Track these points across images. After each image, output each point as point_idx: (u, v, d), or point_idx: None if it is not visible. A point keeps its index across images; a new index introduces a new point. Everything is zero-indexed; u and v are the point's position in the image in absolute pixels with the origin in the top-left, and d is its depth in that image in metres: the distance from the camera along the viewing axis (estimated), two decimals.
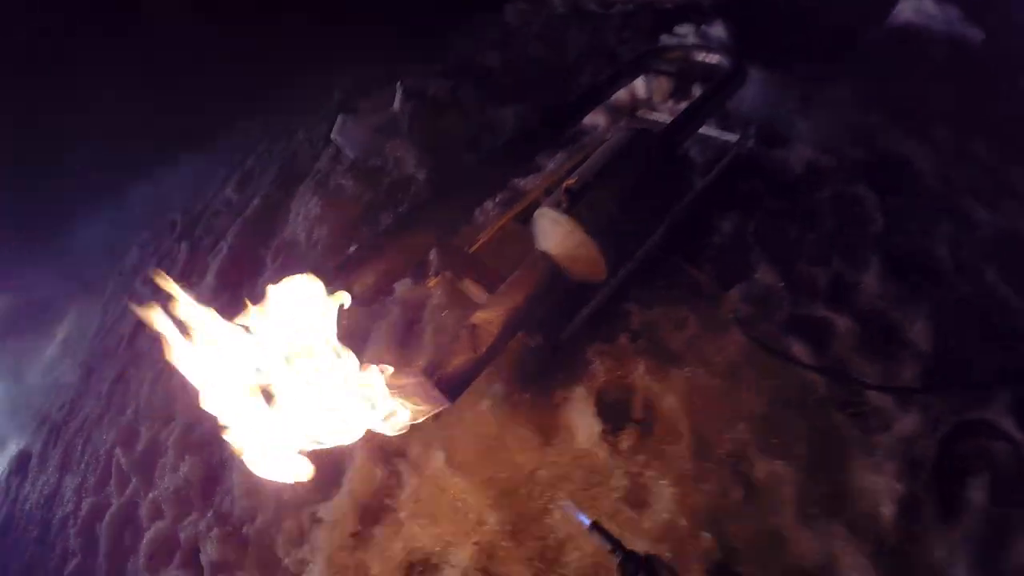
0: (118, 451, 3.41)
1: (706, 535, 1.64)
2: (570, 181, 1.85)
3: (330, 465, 2.31)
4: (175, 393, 3.34)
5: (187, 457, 2.92)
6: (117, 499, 3.20)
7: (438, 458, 2.02)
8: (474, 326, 1.77)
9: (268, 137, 5.24)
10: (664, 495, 1.75)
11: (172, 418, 3.26)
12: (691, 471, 1.77)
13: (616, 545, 1.22)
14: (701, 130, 2.63)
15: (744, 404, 1.84)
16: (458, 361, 1.71)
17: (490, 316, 1.79)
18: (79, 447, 3.92)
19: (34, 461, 4.42)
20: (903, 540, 1.53)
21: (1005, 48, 2.81)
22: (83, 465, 3.75)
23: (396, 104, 3.56)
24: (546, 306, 1.95)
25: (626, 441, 1.85)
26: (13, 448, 5.00)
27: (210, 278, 3.76)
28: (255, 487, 2.49)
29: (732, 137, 2.62)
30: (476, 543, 1.83)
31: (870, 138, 2.49)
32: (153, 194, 6.12)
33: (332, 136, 3.73)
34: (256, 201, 4.16)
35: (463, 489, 1.94)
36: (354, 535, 2.06)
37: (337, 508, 2.12)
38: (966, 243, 2.09)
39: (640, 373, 1.97)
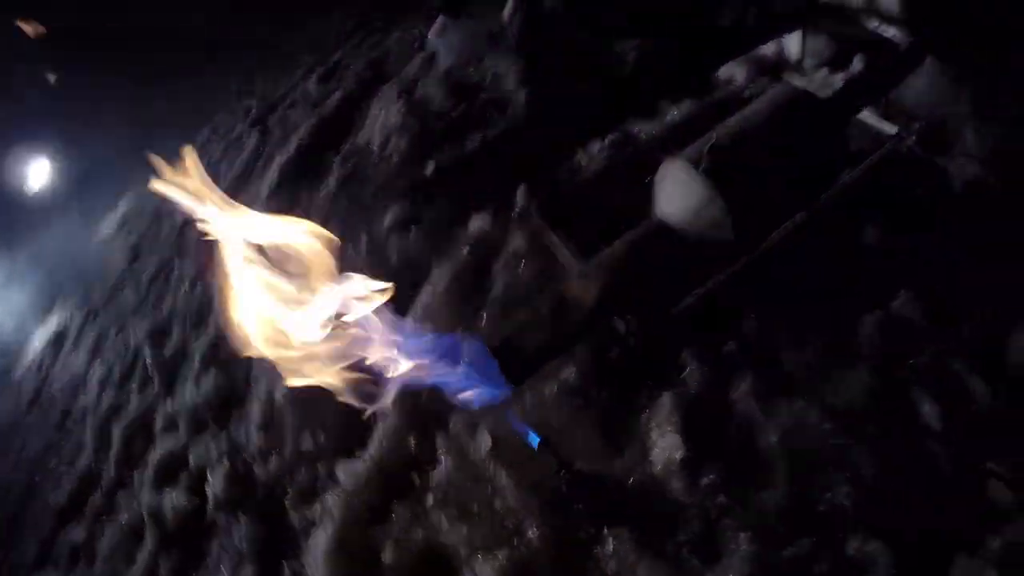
0: (146, 347, 3.46)
1: None
2: (719, 136, 1.55)
3: (358, 415, 2.18)
4: (213, 296, 3.33)
5: (212, 370, 2.89)
6: (137, 400, 3.25)
7: (484, 442, 1.83)
8: (562, 297, 1.53)
9: (363, 30, 5.08)
10: (740, 551, 1.51)
11: (205, 324, 3.25)
12: (777, 528, 1.53)
13: (564, 467, 1.33)
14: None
15: (855, 461, 1.55)
16: (533, 338, 1.49)
17: (582, 291, 1.54)
18: (112, 335, 4.04)
19: (68, 341, 4.62)
20: None
21: None
22: (112, 355, 3.85)
23: (506, 12, 3.27)
24: (653, 286, 1.69)
25: (709, 475, 1.59)
26: (53, 320, 5.27)
27: (272, 174, 3.70)
28: (274, 422, 2.41)
29: (889, 127, 2.24)
30: (508, 558, 1.64)
31: None
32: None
33: (428, 37, 3.50)
34: (336, 97, 4.03)
35: (506, 487, 1.75)
36: (371, 509, 1.93)
37: (359, 474, 1.99)
38: None
39: (743, 393, 1.70)
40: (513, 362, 1.47)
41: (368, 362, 1.33)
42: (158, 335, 3.49)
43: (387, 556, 1.81)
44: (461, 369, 1.43)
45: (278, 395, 2.42)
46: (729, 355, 1.77)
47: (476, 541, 1.71)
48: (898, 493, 1.54)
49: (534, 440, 1.36)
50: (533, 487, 1.73)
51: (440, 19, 3.49)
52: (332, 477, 2.07)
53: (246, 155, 4.33)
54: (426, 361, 1.38)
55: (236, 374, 2.78)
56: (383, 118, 3.42)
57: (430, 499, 1.84)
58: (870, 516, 1.51)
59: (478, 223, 2.40)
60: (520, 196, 2.28)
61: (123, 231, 5.51)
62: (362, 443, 2.09)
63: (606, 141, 2.56)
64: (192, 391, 2.89)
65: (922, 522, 1.50)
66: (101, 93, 6.80)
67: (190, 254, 3.89)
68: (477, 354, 1.48)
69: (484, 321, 2.09)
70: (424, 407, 2.01)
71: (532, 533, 1.66)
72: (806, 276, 1.90)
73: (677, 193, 1.63)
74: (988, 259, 1.89)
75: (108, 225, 5.91)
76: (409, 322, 1.49)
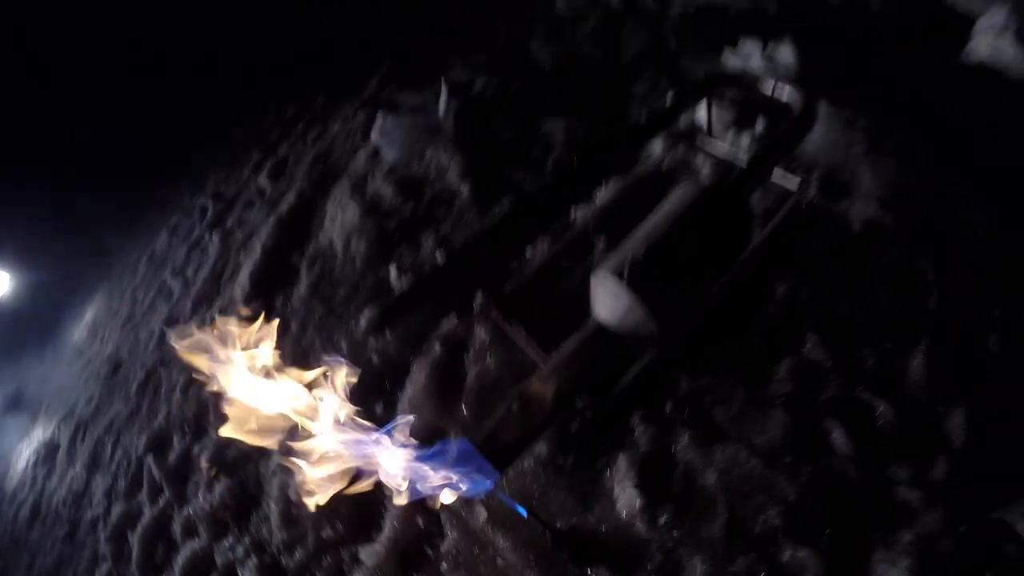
0: (149, 459, 3.74)
1: None
2: (637, 253, 2.02)
3: (369, 505, 2.57)
4: (207, 405, 3.65)
5: (222, 477, 3.22)
6: (149, 509, 3.54)
7: (480, 515, 2.25)
8: (526, 398, 1.97)
9: (304, 120, 5.46)
10: (697, 573, 1.96)
11: (205, 431, 3.57)
12: (723, 550, 1.97)
13: (548, 528, 1.74)
14: None
15: (780, 489, 2.01)
16: (509, 431, 1.92)
17: (542, 389, 1.98)
18: (108, 447, 4.29)
19: (61, 455, 4.83)
20: None
21: None
22: (113, 467, 4.11)
23: (441, 107, 3.72)
24: (599, 373, 2.14)
25: (664, 515, 2.05)
26: (38, 433, 5.45)
27: (243, 279, 4.01)
28: (293, 517, 2.77)
29: (792, 182, 2.72)
30: None
31: (938, 197, 2.56)
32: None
33: (372, 136, 3.92)
34: (290, 197, 4.38)
35: (504, 548, 2.17)
36: None
37: (380, 553, 2.38)
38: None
39: (683, 446, 2.15)
40: (495, 454, 1.89)
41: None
42: (159, 445, 3.79)
43: None
44: (453, 468, 1.86)
45: (292, 493, 2.78)
46: (669, 416, 2.23)
47: None
48: (819, 508, 2.01)
49: (522, 511, 1.78)
50: (526, 544, 2.15)
51: (380, 116, 3.91)
52: (356, 560, 2.45)
53: (211, 260, 4.63)
54: (427, 470, 1.80)
55: (246, 477, 3.12)
56: (340, 219, 3.80)
57: (444, 566, 2.25)
58: (798, 530, 1.96)
59: (445, 323, 2.83)
60: (479, 296, 2.71)
61: (96, 340, 5.73)
62: (377, 527, 2.48)
63: (549, 231, 3.02)
64: (206, 497, 3.21)
65: (842, 528, 1.96)
66: (51, 199, 7.09)
67: (176, 361, 4.19)
68: (464, 451, 1.91)
69: (464, 411, 2.52)
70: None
71: None
72: (727, 336, 2.39)
73: (607, 301, 2.09)
74: (884, 292, 2.39)
75: (79, 334, 6.12)
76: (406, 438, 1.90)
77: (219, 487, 3.17)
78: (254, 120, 6.28)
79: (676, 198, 2.29)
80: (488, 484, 1.89)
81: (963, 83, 3.00)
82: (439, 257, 3.09)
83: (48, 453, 5.05)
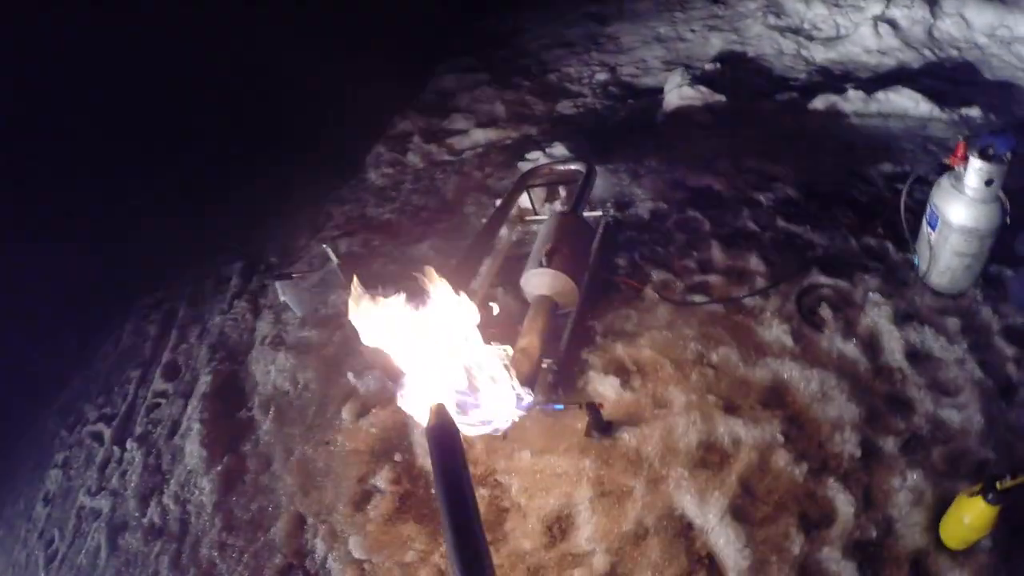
0: None
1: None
2: (546, 248, 3.30)
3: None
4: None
5: None
6: None
7: (524, 456, 3.12)
8: (523, 349, 3.06)
9: (174, 328, 5.95)
10: (674, 389, 3.14)
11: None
12: (677, 374, 3.22)
13: (581, 406, 2.89)
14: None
15: (687, 334, 3.36)
16: (524, 369, 2.97)
17: (527, 342, 3.09)
18: None
19: None
20: (802, 349, 3.20)
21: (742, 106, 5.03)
22: None
23: (333, 261, 4.74)
24: (549, 330, 3.30)
25: (636, 382, 3.23)
26: None
27: (194, 450, 4.23)
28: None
29: (599, 213, 4.32)
30: (589, 479, 2.92)
31: (683, 183, 4.34)
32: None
33: (281, 298, 4.75)
34: (204, 379, 4.73)
35: (555, 463, 3.04)
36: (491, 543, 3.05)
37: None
38: (758, 215, 3.98)
39: (619, 351, 3.39)
40: (526, 382, 2.93)
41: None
42: None
43: (526, 545, 2.92)
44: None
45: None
46: (601, 343, 3.45)
47: (563, 494, 3.02)
48: (714, 330, 3.32)
49: (559, 407, 2.81)
50: (566, 451, 3.11)
51: (278, 284, 4.78)
52: None
53: (139, 462, 4.60)
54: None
55: None
56: (274, 368, 4.46)
57: (522, 500, 3.05)
58: (709, 344, 3.26)
59: None
60: None
61: None
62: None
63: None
64: None
65: (731, 330, 3.28)
66: None
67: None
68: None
69: None
70: (477, 474, 3.25)
71: (586, 464, 3.04)
72: (608, 291, 3.72)
73: (540, 281, 3.31)
74: (680, 234, 3.94)
75: None
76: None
77: None
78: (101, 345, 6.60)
79: (546, 224, 3.66)
80: (531, 400, 2.91)
81: (670, 122, 4.98)
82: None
83: None
